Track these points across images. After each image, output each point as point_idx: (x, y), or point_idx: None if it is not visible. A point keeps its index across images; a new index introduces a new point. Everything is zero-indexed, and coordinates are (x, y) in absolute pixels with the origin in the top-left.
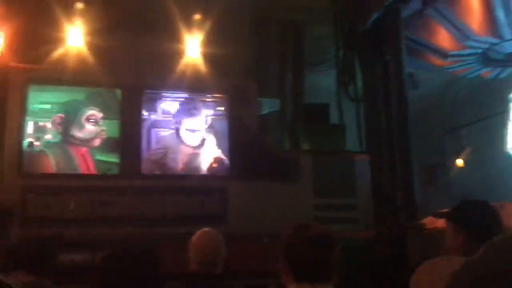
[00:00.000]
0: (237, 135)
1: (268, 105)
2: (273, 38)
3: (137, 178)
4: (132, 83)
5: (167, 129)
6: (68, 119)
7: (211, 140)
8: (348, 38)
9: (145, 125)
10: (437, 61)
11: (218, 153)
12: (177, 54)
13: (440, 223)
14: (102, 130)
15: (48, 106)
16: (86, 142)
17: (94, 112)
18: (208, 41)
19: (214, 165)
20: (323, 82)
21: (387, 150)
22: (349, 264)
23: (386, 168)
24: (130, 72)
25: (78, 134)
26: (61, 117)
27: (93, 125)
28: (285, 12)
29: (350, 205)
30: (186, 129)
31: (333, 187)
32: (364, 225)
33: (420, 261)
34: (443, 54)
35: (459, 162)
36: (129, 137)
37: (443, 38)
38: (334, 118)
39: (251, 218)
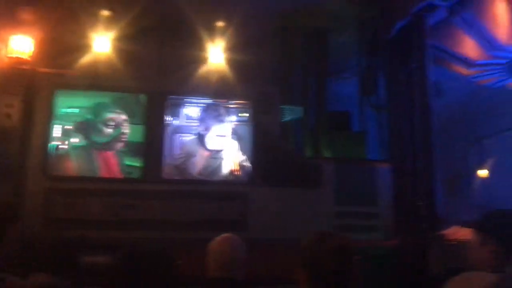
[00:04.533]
0: (260, 141)
1: (291, 113)
2: (296, 45)
3: (158, 182)
4: (156, 89)
5: (189, 135)
6: (88, 125)
7: (234, 146)
8: (372, 46)
9: (168, 130)
10: (462, 70)
11: (240, 158)
12: (201, 61)
13: (462, 233)
14: (122, 133)
15: (76, 110)
16: (107, 145)
17: (113, 116)
18: (232, 48)
19: (237, 171)
20: (346, 90)
21: (410, 159)
22: (370, 274)
23: (408, 177)
24: (155, 78)
25: (98, 138)
26: (81, 123)
27: (111, 129)
28: (308, 19)
29: (371, 213)
30: (213, 135)
31: (355, 195)
32: (385, 234)
33: (441, 272)
34: (469, 63)
35: (482, 172)
36: (152, 142)
37: (469, 47)
38: (356, 126)
39: (272, 224)
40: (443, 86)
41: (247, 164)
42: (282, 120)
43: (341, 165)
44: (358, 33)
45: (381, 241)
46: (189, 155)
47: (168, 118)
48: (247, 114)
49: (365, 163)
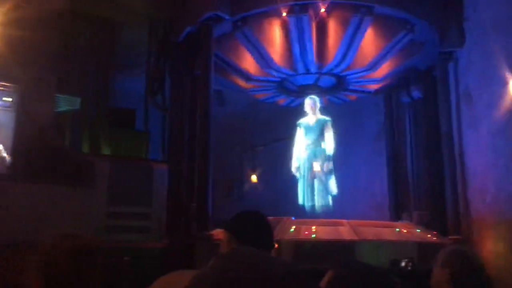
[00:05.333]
0: (26, 131)
1: (67, 103)
2: (83, 34)
3: None
4: None
5: None
6: None
7: None
8: (161, 46)
9: None
10: (241, 83)
11: None
12: None
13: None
14: None
15: None
16: None
17: None
18: (4, 23)
19: None
20: (134, 87)
21: (187, 162)
22: (139, 274)
23: (184, 179)
24: None
25: None
26: None
27: None
28: (97, 8)
29: (144, 214)
30: None
31: (129, 195)
32: (157, 235)
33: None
34: (247, 77)
35: (253, 178)
36: None
37: (248, 62)
38: (140, 125)
39: (33, 225)
40: (227, 96)
41: (6, 155)
42: (57, 110)
43: (117, 164)
44: (149, 32)
45: (152, 242)
46: None
47: None
48: (12, 99)
49: (142, 162)
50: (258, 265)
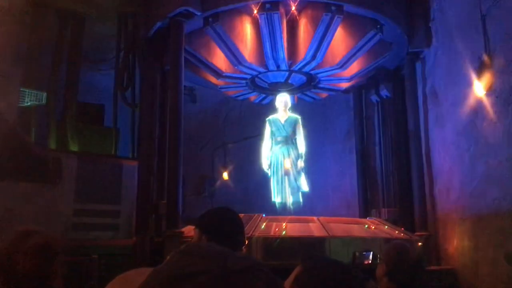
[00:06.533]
0: None
1: (33, 97)
2: (50, 26)
3: None
4: None
5: None
6: None
7: None
8: (131, 41)
9: None
10: (212, 79)
11: None
12: None
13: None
14: None
15: None
16: None
17: None
18: None
19: None
20: (103, 83)
21: (157, 158)
22: (108, 273)
23: (154, 175)
24: None
25: None
26: None
27: None
28: (65, 2)
29: (113, 211)
30: None
31: (97, 192)
32: (126, 232)
33: None
34: (218, 74)
35: (225, 175)
36: None
37: (219, 58)
38: (109, 121)
39: None
40: (198, 92)
41: None
42: (22, 105)
43: (85, 160)
44: (118, 26)
45: (121, 240)
46: None
47: None
48: None
49: (111, 159)
50: (215, 259)
